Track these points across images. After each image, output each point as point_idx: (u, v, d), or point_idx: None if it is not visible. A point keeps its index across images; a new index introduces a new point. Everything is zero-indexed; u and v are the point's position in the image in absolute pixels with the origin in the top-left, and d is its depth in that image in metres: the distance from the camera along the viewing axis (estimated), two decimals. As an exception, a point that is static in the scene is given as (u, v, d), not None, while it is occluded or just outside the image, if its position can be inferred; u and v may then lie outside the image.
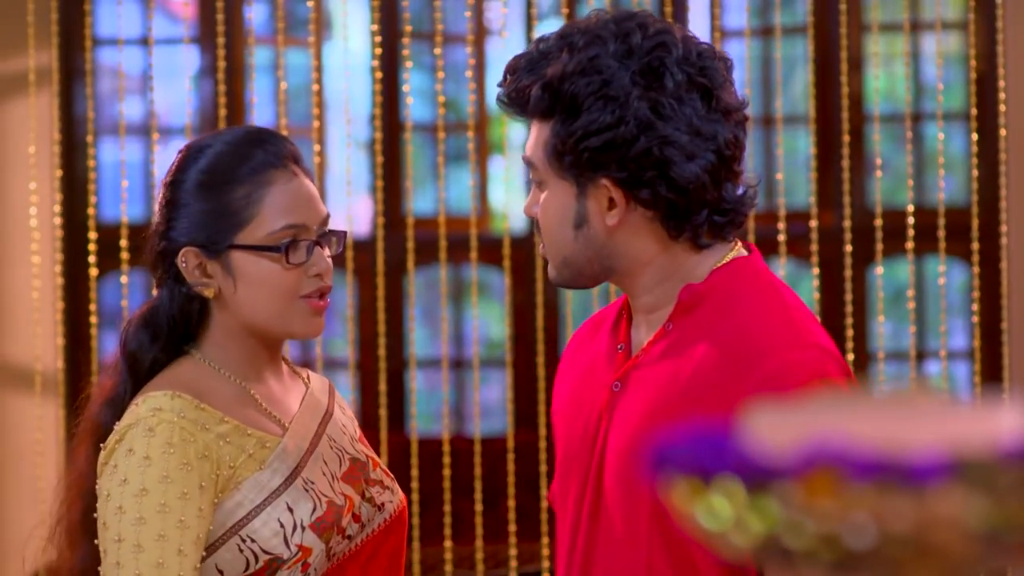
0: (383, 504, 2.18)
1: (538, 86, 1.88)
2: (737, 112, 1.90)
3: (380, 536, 2.16)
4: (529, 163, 1.94)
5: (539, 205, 1.94)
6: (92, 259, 4.67)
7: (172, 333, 2.13)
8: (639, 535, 1.88)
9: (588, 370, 2.02)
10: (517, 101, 1.92)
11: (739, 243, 1.97)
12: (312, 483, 2.10)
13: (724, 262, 1.93)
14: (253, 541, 2.04)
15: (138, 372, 2.13)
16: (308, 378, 2.26)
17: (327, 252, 2.13)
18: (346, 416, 2.27)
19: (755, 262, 1.95)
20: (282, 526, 2.05)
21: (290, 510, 2.06)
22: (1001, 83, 4.95)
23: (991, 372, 6.12)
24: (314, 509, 2.08)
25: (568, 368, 2.08)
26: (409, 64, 5.19)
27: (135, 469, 2.02)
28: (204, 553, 2.04)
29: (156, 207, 2.18)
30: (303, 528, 2.06)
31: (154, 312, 2.14)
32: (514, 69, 1.93)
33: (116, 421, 2.09)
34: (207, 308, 2.14)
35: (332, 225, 2.16)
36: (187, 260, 2.11)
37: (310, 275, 2.11)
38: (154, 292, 2.19)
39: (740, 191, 1.92)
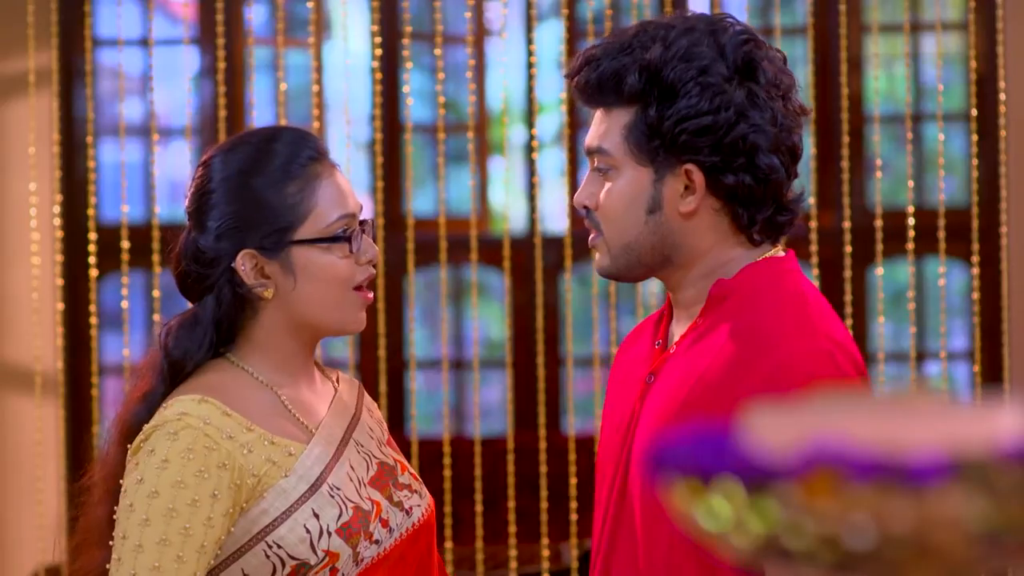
0: (411, 508, 2.18)
1: (634, 70, 1.93)
2: (802, 118, 1.98)
3: (409, 540, 2.16)
4: (598, 150, 1.98)
5: (599, 194, 1.98)
6: (92, 259, 4.66)
7: (217, 337, 2.13)
8: (660, 532, 1.89)
9: (628, 369, 2.06)
10: (603, 87, 1.95)
11: (780, 247, 2.02)
12: (338, 489, 2.10)
13: (757, 260, 1.97)
14: (280, 547, 2.04)
15: (180, 377, 2.13)
16: (337, 380, 2.27)
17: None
18: (374, 419, 2.27)
19: (786, 263, 2.00)
20: (308, 532, 2.05)
21: (316, 516, 2.06)
22: (1001, 84, 4.95)
23: (991, 373, 6.12)
24: (340, 514, 2.08)
25: (613, 372, 2.12)
26: (409, 65, 5.19)
27: (152, 470, 2.03)
28: (229, 558, 2.05)
29: (189, 214, 2.16)
30: (330, 533, 2.06)
31: (199, 317, 2.13)
32: (593, 58, 1.96)
33: (148, 421, 2.09)
34: (252, 312, 2.14)
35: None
36: (245, 263, 2.10)
37: (362, 263, 2.13)
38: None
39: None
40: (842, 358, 1.88)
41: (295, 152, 2.12)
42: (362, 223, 2.15)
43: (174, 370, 2.12)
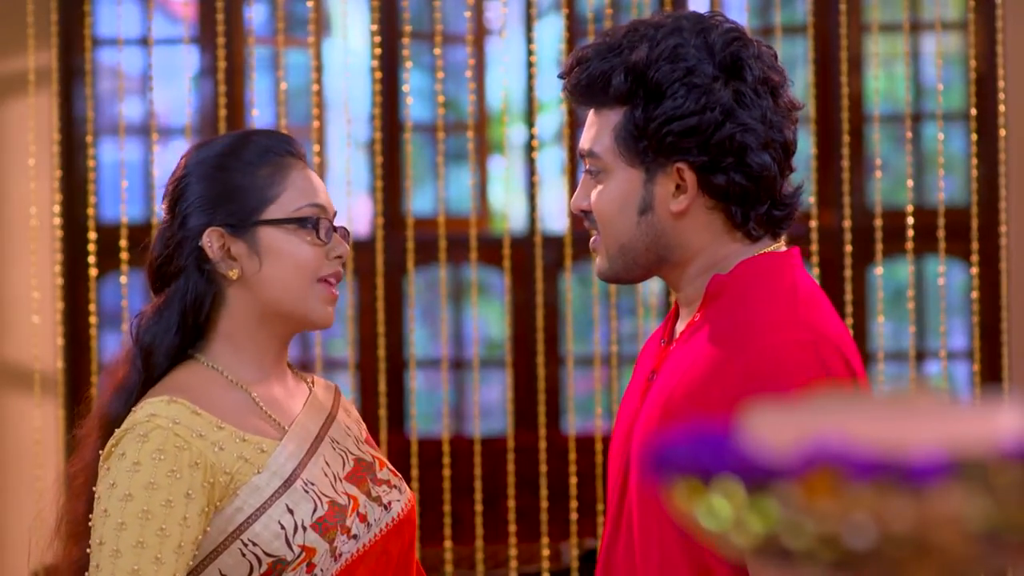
0: (390, 503, 2.18)
1: (620, 71, 1.93)
2: (795, 112, 1.98)
3: (389, 536, 2.15)
4: (589, 153, 1.98)
5: (592, 197, 1.98)
6: (92, 259, 4.67)
7: (185, 323, 2.13)
8: (653, 530, 1.89)
9: (640, 366, 2.07)
10: (592, 88, 1.96)
11: (782, 242, 2.01)
12: (312, 484, 2.10)
13: (753, 255, 1.96)
14: (255, 545, 2.04)
15: (152, 364, 2.13)
16: (312, 382, 2.27)
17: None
18: (351, 419, 2.27)
19: (784, 257, 1.98)
20: (283, 528, 2.05)
21: (290, 512, 2.06)
22: (1001, 83, 4.95)
23: (991, 372, 6.12)
24: (315, 509, 2.08)
25: (634, 370, 2.11)
26: (409, 64, 5.19)
27: (124, 474, 2.02)
28: (206, 559, 2.05)
29: (165, 205, 2.17)
30: (305, 528, 2.06)
31: (169, 302, 2.13)
32: (583, 59, 1.97)
33: (125, 413, 2.09)
34: (221, 299, 2.14)
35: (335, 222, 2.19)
36: (211, 240, 2.11)
37: (331, 257, 2.14)
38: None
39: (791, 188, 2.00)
40: (827, 350, 1.86)
41: (271, 143, 2.15)
42: (335, 227, 2.16)
43: (146, 357, 2.12)
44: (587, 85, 1.96)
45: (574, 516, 4.71)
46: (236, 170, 2.12)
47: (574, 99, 2.00)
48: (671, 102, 1.91)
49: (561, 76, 2.01)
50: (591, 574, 5.13)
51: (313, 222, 2.12)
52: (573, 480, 4.66)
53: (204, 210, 2.12)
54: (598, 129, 1.97)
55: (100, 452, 2.09)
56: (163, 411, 2.06)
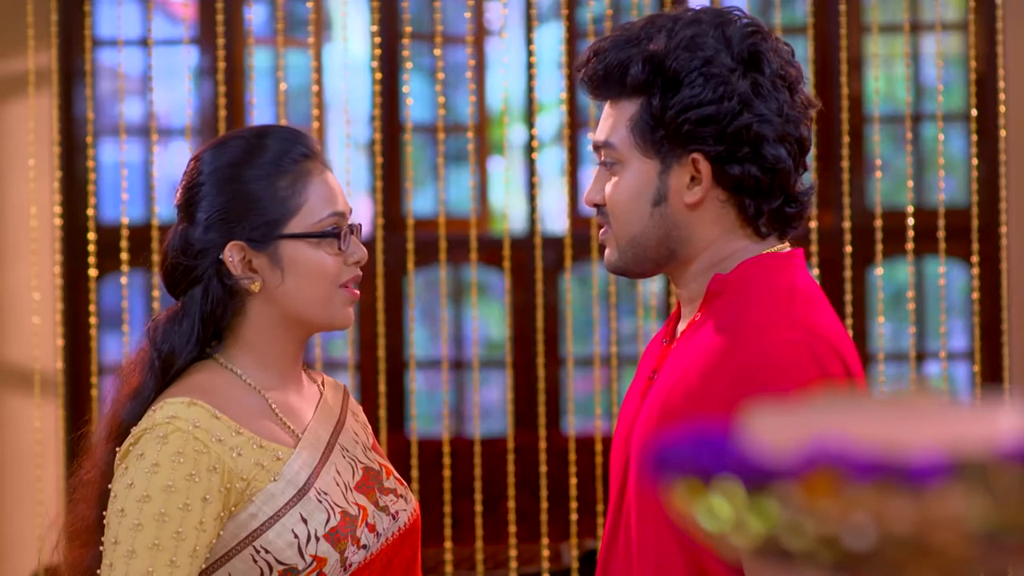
0: (397, 513, 2.17)
1: (638, 61, 1.93)
2: (810, 109, 1.98)
3: (395, 545, 2.15)
4: (605, 145, 1.98)
5: (606, 190, 1.98)
6: (92, 260, 4.66)
7: (204, 332, 2.12)
8: (649, 528, 1.89)
9: (642, 366, 2.06)
10: (609, 78, 1.96)
11: (787, 243, 2.01)
12: (325, 494, 2.09)
13: (756, 255, 1.96)
14: (268, 552, 2.04)
15: (170, 372, 2.11)
16: (323, 384, 2.26)
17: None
18: (358, 423, 2.27)
19: (786, 258, 1.98)
20: (296, 537, 2.05)
21: (304, 521, 2.06)
22: (1001, 84, 4.95)
23: (991, 373, 6.12)
24: (328, 519, 2.07)
25: (636, 374, 2.11)
26: (409, 65, 5.18)
27: (142, 475, 2.02)
28: (216, 563, 2.04)
29: (178, 207, 2.15)
30: (317, 538, 2.05)
31: (186, 310, 2.12)
32: (600, 50, 1.97)
33: (139, 419, 2.08)
34: (241, 308, 2.13)
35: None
36: (233, 255, 2.09)
37: (350, 263, 2.13)
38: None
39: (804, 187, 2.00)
40: (822, 350, 1.85)
41: (287, 148, 2.12)
42: (351, 226, 2.15)
43: (165, 365, 2.10)
44: (604, 76, 1.96)
45: (574, 517, 4.71)
46: (254, 180, 2.10)
47: (590, 91, 1.99)
48: (689, 91, 1.91)
49: (576, 68, 2.00)
50: (591, 575, 5.14)
51: (335, 233, 2.11)
52: (573, 481, 4.66)
53: (224, 223, 2.10)
54: (614, 120, 1.96)
55: (115, 453, 2.07)
56: (183, 413, 2.05)
